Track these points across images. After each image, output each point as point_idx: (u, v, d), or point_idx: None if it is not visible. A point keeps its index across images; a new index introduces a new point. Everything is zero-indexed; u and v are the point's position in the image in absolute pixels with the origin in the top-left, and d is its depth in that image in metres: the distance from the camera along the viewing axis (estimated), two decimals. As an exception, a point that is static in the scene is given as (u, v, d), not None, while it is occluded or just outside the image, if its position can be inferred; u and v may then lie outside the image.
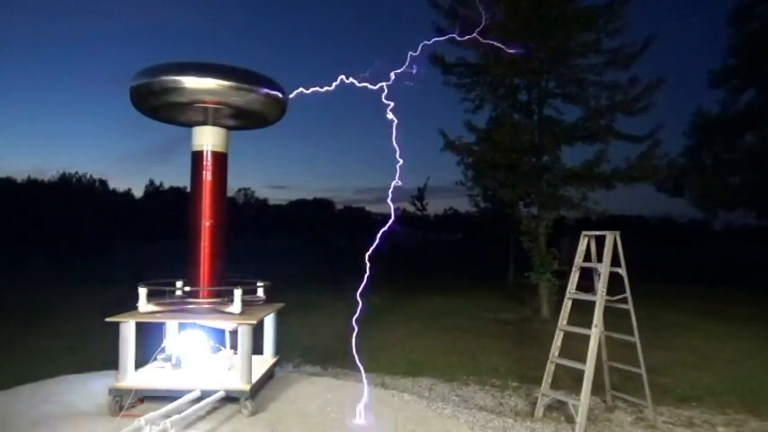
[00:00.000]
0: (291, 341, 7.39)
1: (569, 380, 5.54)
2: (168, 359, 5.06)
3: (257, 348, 5.20)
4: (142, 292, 4.83)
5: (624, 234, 4.80)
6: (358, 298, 4.88)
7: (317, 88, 4.98)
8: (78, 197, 54.35)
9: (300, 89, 5.18)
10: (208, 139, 5.21)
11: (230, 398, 4.55)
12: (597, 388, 5.01)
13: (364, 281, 4.80)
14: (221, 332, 5.15)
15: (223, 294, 5.11)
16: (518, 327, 9.63)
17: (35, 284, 16.29)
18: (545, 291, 10.52)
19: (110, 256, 32.10)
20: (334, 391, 5.30)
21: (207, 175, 5.20)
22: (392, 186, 4.78)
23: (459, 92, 11.34)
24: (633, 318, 4.83)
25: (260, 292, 5.60)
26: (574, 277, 4.97)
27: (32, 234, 44.41)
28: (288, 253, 41.99)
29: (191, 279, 5.23)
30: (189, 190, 5.41)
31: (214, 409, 4.53)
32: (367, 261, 4.82)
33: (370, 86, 4.77)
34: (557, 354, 4.82)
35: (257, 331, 4.90)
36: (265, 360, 5.54)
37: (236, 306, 4.81)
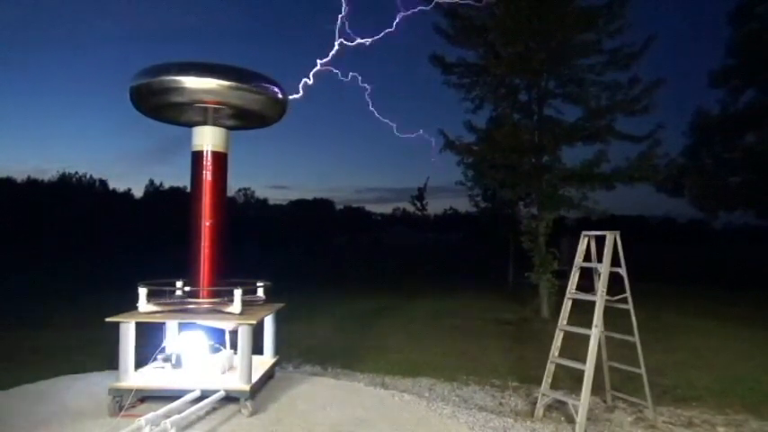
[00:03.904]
0: (292, 341, 7.39)
1: (569, 380, 5.54)
2: (168, 359, 5.06)
3: (257, 348, 5.20)
4: (142, 291, 4.83)
5: (624, 234, 4.80)
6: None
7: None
8: (78, 197, 54.30)
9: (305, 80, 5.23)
10: (208, 139, 5.22)
11: (230, 398, 4.55)
12: (597, 388, 5.01)
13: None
14: (221, 332, 5.15)
15: (223, 294, 5.11)
16: (518, 327, 9.63)
17: (34, 284, 16.29)
18: (545, 291, 10.51)
19: (109, 256, 32.09)
20: (334, 391, 5.30)
21: (207, 175, 5.20)
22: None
23: (459, 92, 11.35)
24: (633, 318, 4.83)
25: (260, 293, 5.60)
26: (574, 277, 4.97)
27: (32, 234, 44.38)
28: (287, 253, 41.99)
29: (191, 279, 5.23)
30: (189, 190, 5.41)
31: (214, 409, 4.53)
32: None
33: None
34: (557, 354, 4.82)
35: (257, 331, 4.90)
36: (265, 360, 5.54)
37: (236, 306, 4.81)
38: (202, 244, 5.19)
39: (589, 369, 4.37)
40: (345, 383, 5.67)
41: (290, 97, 5.43)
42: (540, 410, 4.79)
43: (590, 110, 10.53)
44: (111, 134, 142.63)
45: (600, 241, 4.85)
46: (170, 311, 4.96)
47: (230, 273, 5.42)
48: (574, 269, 4.96)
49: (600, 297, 4.58)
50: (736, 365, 6.91)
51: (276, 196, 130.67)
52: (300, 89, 5.31)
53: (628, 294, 4.79)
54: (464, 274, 23.29)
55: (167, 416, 4.00)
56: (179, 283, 5.32)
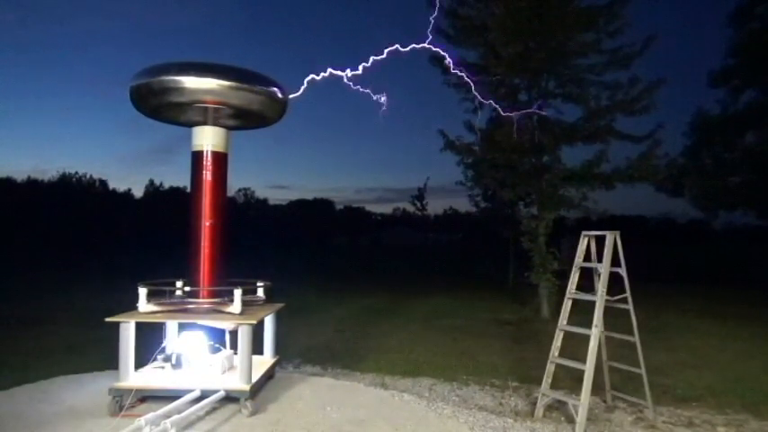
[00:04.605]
0: (291, 341, 7.39)
1: (569, 380, 5.54)
2: (168, 359, 5.06)
3: (257, 348, 5.20)
4: (142, 291, 4.83)
5: (624, 234, 4.80)
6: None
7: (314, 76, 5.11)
8: (78, 197, 54.33)
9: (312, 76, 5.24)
10: (208, 139, 5.21)
11: (230, 398, 4.55)
12: (597, 388, 5.01)
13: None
14: (221, 332, 5.15)
15: (223, 294, 5.11)
16: (518, 327, 9.63)
17: (35, 284, 16.29)
18: (545, 291, 10.51)
19: (109, 256, 32.09)
20: (334, 391, 5.30)
21: (207, 175, 5.20)
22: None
23: (459, 92, 11.35)
24: (633, 318, 4.83)
25: (260, 293, 5.60)
26: (574, 277, 4.97)
27: (32, 234, 44.38)
28: (287, 253, 41.98)
29: (191, 279, 5.23)
30: (189, 190, 5.41)
31: (214, 409, 4.53)
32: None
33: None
34: (557, 354, 4.82)
35: (257, 331, 4.90)
36: (265, 360, 5.54)
37: (236, 306, 4.81)
38: (202, 244, 5.19)
39: (589, 369, 4.37)
40: (345, 383, 5.67)
41: (290, 97, 5.42)
42: (540, 410, 4.79)
43: (590, 110, 10.52)
44: (111, 134, 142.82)
45: (600, 241, 4.85)
46: (170, 311, 4.96)
47: (230, 273, 5.42)
48: (574, 269, 4.96)
49: (600, 297, 4.58)
50: (736, 365, 6.91)
51: (276, 196, 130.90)
52: (305, 84, 5.31)
53: (628, 294, 4.79)
54: (464, 274, 23.28)
55: (167, 416, 4.00)
56: (179, 283, 5.32)
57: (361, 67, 5.31)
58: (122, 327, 4.64)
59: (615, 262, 4.74)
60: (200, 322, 4.99)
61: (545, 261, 10.36)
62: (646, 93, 10.14)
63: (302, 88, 5.34)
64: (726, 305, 12.54)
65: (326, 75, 5.27)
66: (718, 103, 16.76)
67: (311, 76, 5.27)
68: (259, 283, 5.60)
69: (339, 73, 5.32)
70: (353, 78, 5.29)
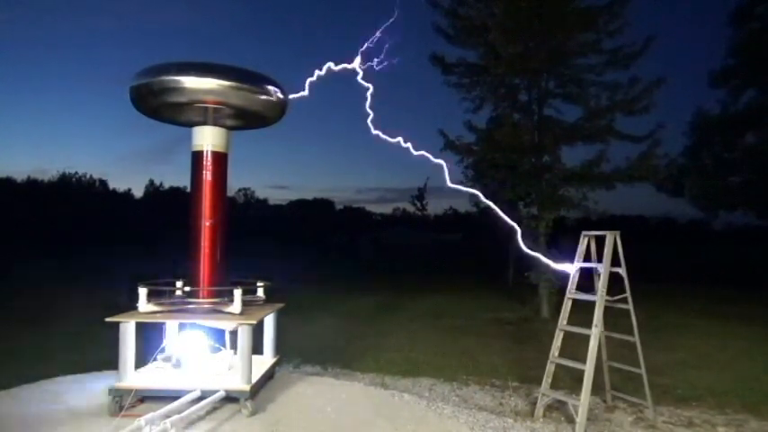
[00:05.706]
0: (292, 341, 7.39)
1: (569, 380, 5.54)
2: (168, 359, 5.06)
3: (257, 348, 5.20)
4: (142, 291, 4.83)
5: (624, 234, 4.80)
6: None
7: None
8: (78, 197, 54.36)
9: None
10: (208, 139, 5.21)
11: (230, 398, 4.55)
12: (597, 388, 5.01)
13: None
14: (221, 332, 5.15)
15: (223, 294, 5.11)
16: (518, 327, 9.63)
17: (34, 284, 16.29)
18: (545, 291, 10.51)
19: (109, 256, 32.10)
20: (334, 391, 5.30)
21: (207, 175, 5.20)
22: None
23: (459, 92, 11.36)
24: (633, 318, 4.83)
25: (260, 292, 5.60)
26: (574, 277, 4.97)
27: (32, 234, 44.37)
28: (287, 253, 41.98)
29: (191, 279, 5.23)
30: (189, 190, 5.41)
31: (214, 409, 4.52)
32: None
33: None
34: (557, 354, 4.82)
35: (257, 331, 4.90)
36: (265, 360, 5.54)
37: (236, 306, 4.81)
38: (202, 244, 5.19)
39: (589, 369, 4.37)
40: (345, 383, 5.67)
41: (291, 97, 5.42)
42: (540, 410, 4.79)
43: (590, 110, 10.53)
44: (111, 134, 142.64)
45: (600, 241, 4.85)
46: (170, 311, 4.96)
47: (230, 273, 5.42)
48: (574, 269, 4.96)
49: (600, 297, 4.58)
50: (737, 365, 6.92)
51: (276, 196, 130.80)
52: (307, 87, 5.34)
53: (628, 294, 4.79)
54: (464, 273, 23.28)
55: (167, 416, 4.00)
56: (179, 283, 5.32)
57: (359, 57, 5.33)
58: (122, 327, 4.64)
59: (615, 262, 4.74)
60: (200, 322, 4.99)
61: (545, 261, 10.35)
62: (646, 93, 10.14)
63: (304, 90, 5.35)
64: (726, 305, 12.54)
65: (325, 71, 5.30)
66: (719, 103, 16.81)
67: (318, 70, 5.28)
68: (259, 283, 5.60)
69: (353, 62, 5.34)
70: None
